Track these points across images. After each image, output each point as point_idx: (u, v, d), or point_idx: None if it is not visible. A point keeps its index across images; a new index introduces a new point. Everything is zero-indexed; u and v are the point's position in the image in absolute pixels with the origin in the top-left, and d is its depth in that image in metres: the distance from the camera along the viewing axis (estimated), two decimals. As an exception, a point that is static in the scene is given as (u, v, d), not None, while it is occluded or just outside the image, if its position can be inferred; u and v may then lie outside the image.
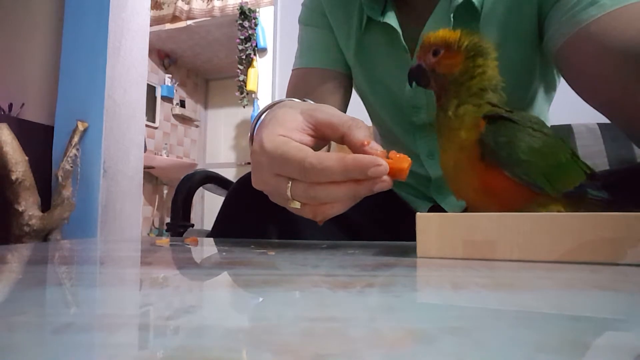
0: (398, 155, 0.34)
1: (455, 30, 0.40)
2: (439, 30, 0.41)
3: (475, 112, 0.39)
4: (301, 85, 0.67)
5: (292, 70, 0.69)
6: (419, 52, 0.42)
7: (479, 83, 0.39)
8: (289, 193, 0.35)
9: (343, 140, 0.36)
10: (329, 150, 0.49)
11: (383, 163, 0.32)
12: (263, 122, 0.39)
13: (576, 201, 0.38)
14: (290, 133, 0.36)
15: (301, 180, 0.34)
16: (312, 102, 0.46)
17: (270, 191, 0.38)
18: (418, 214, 0.33)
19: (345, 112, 0.69)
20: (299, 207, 0.36)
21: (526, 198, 0.37)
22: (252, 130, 0.45)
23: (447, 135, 0.40)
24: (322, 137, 0.38)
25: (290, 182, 0.35)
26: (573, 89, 0.49)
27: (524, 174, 0.36)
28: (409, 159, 0.35)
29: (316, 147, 0.39)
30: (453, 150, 0.40)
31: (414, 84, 0.44)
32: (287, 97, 0.68)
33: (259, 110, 0.46)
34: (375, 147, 0.35)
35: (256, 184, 0.39)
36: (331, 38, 0.66)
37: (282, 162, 0.34)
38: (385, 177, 0.33)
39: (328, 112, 0.37)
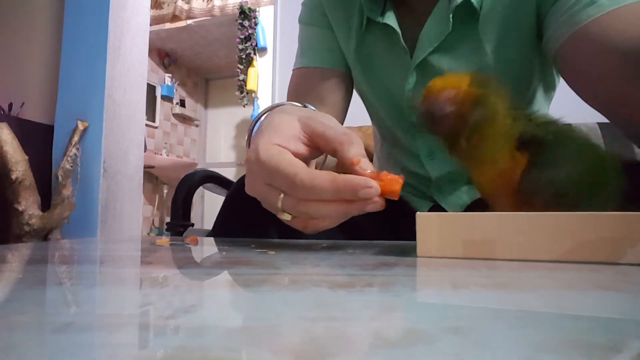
0: (389, 177, 0.34)
1: (461, 74, 0.39)
2: (447, 77, 0.39)
3: (505, 142, 0.37)
4: (302, 85, 0.67)
5: (293, 70, 0.69)
6: (426, 99, 0.40)
7: (501, 113, 0.37)
8: (279, 205, 0.35)
9: (335, 155, 0.36)
10: (325, 160, 0.49)
11: (374, 185, 0.32)
12: (260, 127, 0.38)
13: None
14: (286, 142, 0.36)
15: (291, 195, 0.34)
16: (312, 107, 0.46)
17: (262, 200, 0.38)
18: (418, 213, 0.33)
19: (346, 110, 0.69)
20: (289, 219, 0.36)
21: None
22: (249, 133, 0.45)
23: (479, 170, 0.38)
24: (316, 148, 0.37)
25: (281, 195, 0.34)
26: (572, 88, 0.49)
27: (574, 208, 0.34)
28: (401, 179, 0.34)
29: (312, 157, 0.38)
30: (488, 180, 0.38)
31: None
32: (288, 97, 0.68)
33: (258, 113, 0.45)
34: (366, 166, 0.34)
35: (249, 190, 0.39)
36: (331, 37, 0.66)
37: (273, 174, 0.34)
38: (377, 199, 0.33)
39: (324, 124, 0.37)
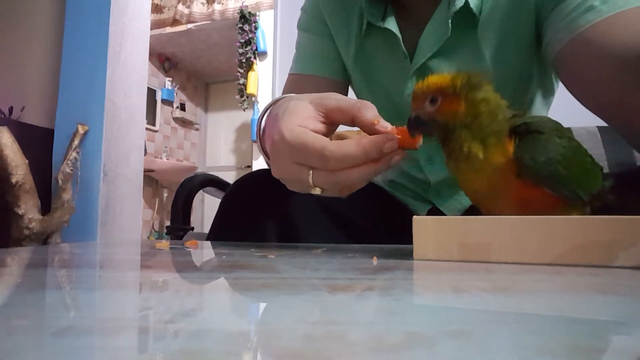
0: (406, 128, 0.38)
1: (444, 74, 0.39)
2: (429, 78, 0.39)
3: (497, 137, 0.37)
4: (296, 91, 0.67)
5: (289, 74, 0.70)
6: (413, 103, 0.41)
7: (488, 115, 0.38)
8: (310, 181, 0.37)
9: (353, 122, 0.38)
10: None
11: (394, 137, 0.35)
12: (275, 115, 0.40)
13: (597, 199, 0.38)
14: (306, 122, 0.38)
15: (322, 169, 0.36)
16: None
17: (291, 179, 0.39)
18: (414, 217, 0.33)
19: None
20: (319, 192, 0.38)
21: (559, 205, 0.36)
22: (258, 126, 0.47)
23: (470, 169, 0.38)
24: (332, 123, 0.40)
25: (311, 171, 0.37)
26: (571, 93, 0.49)
27: (563, 187, 0.36)
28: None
29: (329, 133, 0.41)
30: (482, 177, 0.38)
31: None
32: None
33: (265, 107, 0.47)
34: (385, 124, 0.37)
35: (276, 172, 0.40)
36: (328, 46, 0.66)
37: (302, 151, 0.36)
38: (399, 151, 0.36)
39: (335, 98, 0.39)
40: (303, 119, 0.38)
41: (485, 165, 0.37)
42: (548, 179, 0.36)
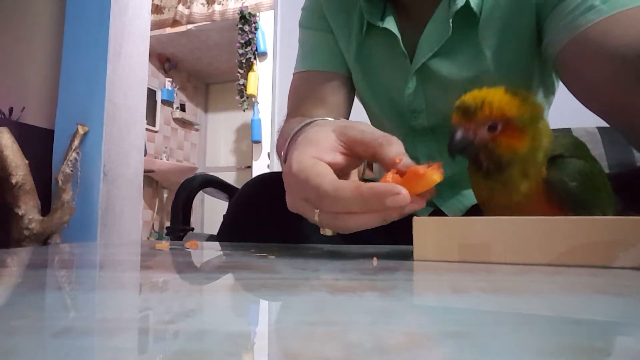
0: (427, 170, 0.31)
1: (508, 95, 0.35)
2: (487, 95, 0.35)
3: (539, 165, 0.36)
4: (303, 88, 0.67)
5: (294, 74, 0.69)
6: (459, 118, 0.36)
7: (545, 148, 0.36)
8: (316, 218, 0.34)
9: (375, 158, 0.35)
10: (363, 171, 0.47)
11: (402, 191, 0.29)
12: (295, 142, 0.38)
13: None
14: (321, 153, 0.35)
15: (324, 210, 0.33)
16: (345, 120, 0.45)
17: (303, 215, 0.36)
18: (414, 217, 0.33)
19: (349, 113, 0.69)
20: (331, 234, 0.35)
21: None
22: (283, 149, 0.45)
23: (506, 195, 0.37)
24: (355, 156, 0.36)
25: (317, 210, 0.33)
26: (572, 93, 0.49)
27: (588, 213, 0.36)
28: (435, 168, 0.32)
29: (351, 166, 0.37)
30: (513, 201, 0.37)
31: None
32: (289, 100, 0.68)
33: (293, 132, 0.44)
34: (407, 163, 0.33)
35: (289, 207, 0.37)
36: (332, 40, 0.66)
37: (304, 187, 0.33)
38: (414, 199, 0.30)
39: (359, 129, 0.36)
40: (320, 150, 0.35)
41: (520, 191, 0.36)
42: (576, 203, 0.35)
